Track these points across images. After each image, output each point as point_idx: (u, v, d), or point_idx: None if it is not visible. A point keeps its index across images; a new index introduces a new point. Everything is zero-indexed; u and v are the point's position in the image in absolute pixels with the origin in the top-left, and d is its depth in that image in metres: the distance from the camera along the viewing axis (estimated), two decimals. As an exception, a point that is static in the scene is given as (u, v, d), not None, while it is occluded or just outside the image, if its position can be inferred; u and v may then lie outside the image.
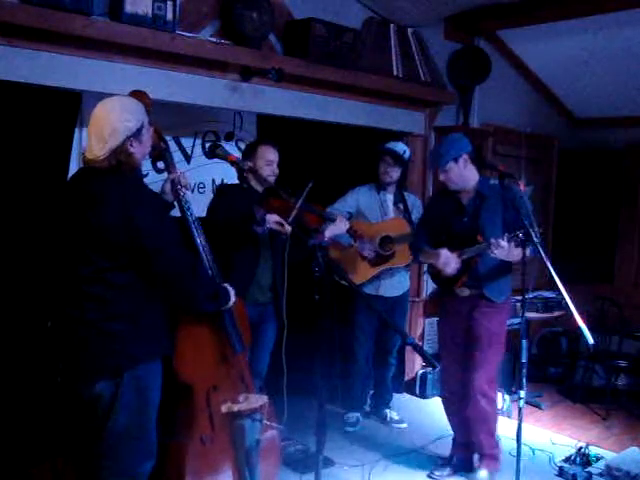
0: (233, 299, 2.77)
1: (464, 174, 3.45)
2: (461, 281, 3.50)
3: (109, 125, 2.33)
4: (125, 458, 2.46)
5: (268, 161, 3.45)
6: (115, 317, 2.36)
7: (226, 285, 2.77)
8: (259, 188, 3.43)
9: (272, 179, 3.44)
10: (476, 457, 3.66)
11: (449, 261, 3.41)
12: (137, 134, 2.38)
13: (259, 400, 2.90)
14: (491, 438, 3.61)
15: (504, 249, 3.20)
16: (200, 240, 2.79)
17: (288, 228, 3.15)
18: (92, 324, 2.36)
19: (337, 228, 3.58)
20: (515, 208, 3.30)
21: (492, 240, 3.22)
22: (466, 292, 3.53)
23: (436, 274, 3.59)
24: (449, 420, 3.77)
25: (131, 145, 2.36)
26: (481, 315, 3.50)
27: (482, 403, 3.51)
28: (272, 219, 3.18)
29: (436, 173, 3.74)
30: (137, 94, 2.71)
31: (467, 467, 3.70)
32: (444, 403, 3.80)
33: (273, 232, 3.26)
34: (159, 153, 2.87)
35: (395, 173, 4.28)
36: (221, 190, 3.64)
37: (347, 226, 3.65)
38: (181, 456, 2.73)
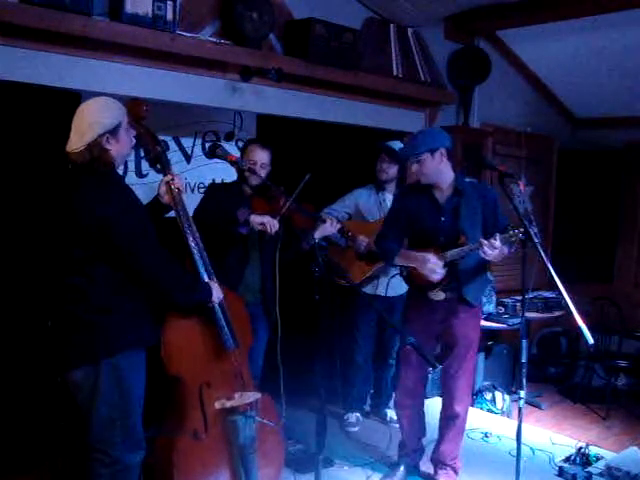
0: (217, 295, 2.78)
1: (439, 169, 3.24)
2: (441, 284, 3.29)
3: (86, 120, 2.48)
4: (113, 450, 2.52)
5: (251, 161, 3.43)
6: (93, 307, 2.45)
7: (208, 281, 2.78)
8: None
9: (255, 179, 3.41)
10: (433, 461, 3.58)
11: (436, 268, 3.20)
12: (114, 131, 2.49)
13: (253, 397, 2.91)
14: (455, 447, 3.53)
15: (497, 249, 3.05)
16: (193, 241, 2.80)
17: (273, 229, 3.17)
18: (72, 314, 2.46)
19: (327, 229, 3.55)
20: (492, 207, 3.25)
21: (484, 241, 3.06)
22: (441, 296, 3.31)
23: (412, 277, 3.39)
24: (402, 427, 3.66)
25: (107, 141, 2.47)
26: (459, 321, 3.33)
27: (460, 413, 3.43)
28: (256, 220, 3.19)
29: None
30: (134, 102, 2.79)
31: (414, 471, 3.66)
32: (398, 411, 3.68)
33: (260, 233, 3.26)
34: (155, 156, 2.90)
35: (391, 170, 4.28)
36: (209, 190, 3.62)
37: (337, 227, 3.61)
38: (170, 451, 2.74)
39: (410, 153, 3.32)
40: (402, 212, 3.45)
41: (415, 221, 3.37)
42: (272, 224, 3.20)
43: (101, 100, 2.56)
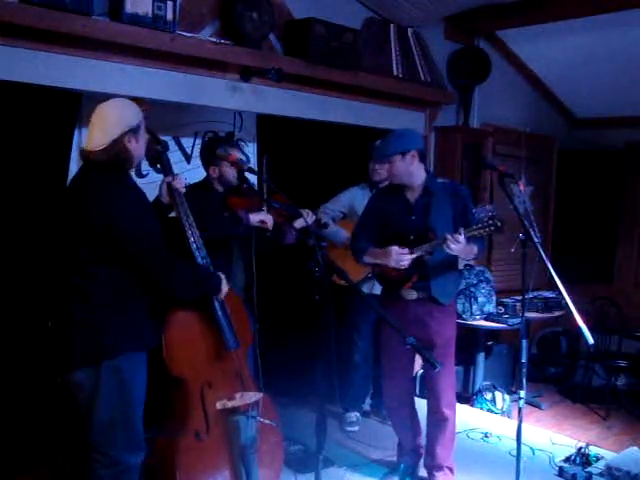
0: (225, 287, 2.79)
1: (409, 171, 3.27)
2: (411, 281, 3.31)
3: (111, 117, 2.49)
4: (113, 450, 2.52)
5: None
6: (96, 308, 2.45)
7: (219, 273, 2.79)
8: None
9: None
10: (427, 466, 3.54)
11: (401, 257, 3.22)
12: (135, 130, 2.51)
13: (254, 397, 2.91)
14: (450, 450, 3.50)
15: (461, 244, 3.08)
16: (193, 240, 2.81)
17: (270, 223, 3.22)
18: (74, 314, 2.46)
19: (304, 221, 3.43)
20: (462, 205, 3.27)
21: (448, 235, 3.08)
22: (414, 295, 3.32)
23: (382, 275, 3.42)
24: (396, 428, 3.64)
25: (129, 141, 2.49)
26: (434, 321, 3.33)
27: (449, 415, 3.42)
28: (256, 219, 3.23)
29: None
30: (136, 101, 2.78)
31: (413, 473, 3.63)
32: (390, 413, 3.68)
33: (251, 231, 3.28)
34: (155, 156, 2.90)
35: (383, 171, 4.26)
36: (189, 196, 3.20)
37: (313, 218, 3.57)
38: (173, 452, 2.74)
39: (381, 154, 3.40)
40: (374, 212, 3.51)
41: (387, 221, 3.41)
42: (269, 219, 3.26)
43: (122, 100, 2.59)
